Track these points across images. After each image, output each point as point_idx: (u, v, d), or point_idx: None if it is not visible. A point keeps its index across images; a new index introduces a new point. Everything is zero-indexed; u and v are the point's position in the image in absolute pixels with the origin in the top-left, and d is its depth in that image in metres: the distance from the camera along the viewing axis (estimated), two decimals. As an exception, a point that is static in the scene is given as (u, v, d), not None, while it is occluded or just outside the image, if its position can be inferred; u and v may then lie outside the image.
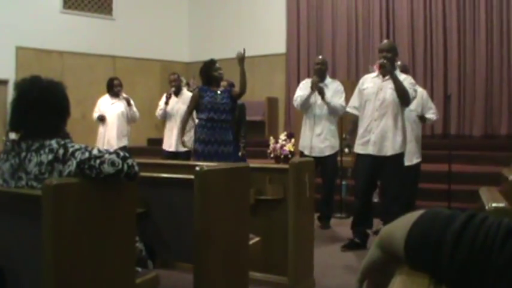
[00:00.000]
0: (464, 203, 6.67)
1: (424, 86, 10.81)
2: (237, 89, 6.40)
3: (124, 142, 8.13)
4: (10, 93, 10.54)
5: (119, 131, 8.14)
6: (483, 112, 10.38)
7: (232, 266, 3.53)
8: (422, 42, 11.11)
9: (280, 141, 9.31)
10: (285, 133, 9.72)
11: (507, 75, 10.29)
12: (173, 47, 14.15)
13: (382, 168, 5.72)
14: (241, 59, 6.12)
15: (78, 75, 11.89)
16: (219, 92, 6.22)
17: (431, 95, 10.79)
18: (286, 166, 4.51)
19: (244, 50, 6.12)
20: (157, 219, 3.56)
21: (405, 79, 5.70)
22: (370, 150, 5.75)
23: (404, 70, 6.22)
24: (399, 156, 5.73)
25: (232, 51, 6.17)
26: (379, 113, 5.73)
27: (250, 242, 3.81)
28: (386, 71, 5.63)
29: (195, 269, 3.25)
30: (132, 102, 8.26)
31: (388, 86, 5.66)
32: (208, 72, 6.30)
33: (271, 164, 7.71)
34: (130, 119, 8.28)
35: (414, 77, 10.94)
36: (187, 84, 11.80)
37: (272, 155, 9.30)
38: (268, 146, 9.47)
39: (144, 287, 2.88)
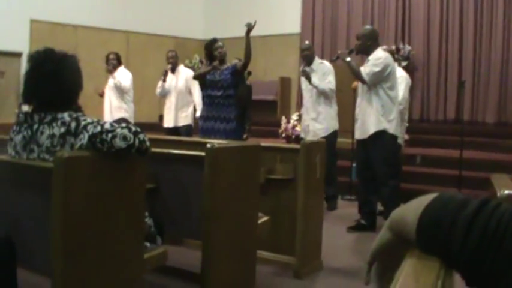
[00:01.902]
0: (475, 189, 6.65)
1: (439, 72, 10.80)
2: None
3: (120, 114, 8.13)
4: (24, 65, 10.56)
5: (112, 104, 8.23)
6: (497, 99, 10.30)
7: (241, 244, 3.54)
8: (438, 27, 11.00)
9: (292, 121, 9.32)
10: (297, 113, 9.72)
11: (523, 63, 10.20)
12: (187, 23, 14.09)
13: (368, 151, 5.86)
14: (249, 30, 6.10)
15: (91, 50, 11.86)
16: (220, 69, 6.23)
17: (445, 81, 10.76)
18: (297, 146, 4.51)
19: (255, 22, 6.10)
20: (166, 196, 3.57)
21: (372, 58, 5.84)
22: (357, 134, 6.03)
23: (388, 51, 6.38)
24: (376, 136, 5.77)
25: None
26: (360, 98, 5.99)
27: (259, 221, 3.82)
28: (341, 60, 5.99)
29: (203, 246, 3.26)
30: (124, 76, 8.24)
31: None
32: (210, 51, 6.33)
33: (282, 144, 7.72)
34: (119, 91, 8.25)
35: (429, 62, 10.93)
36: (201, 62, 11.78)
37: (283, 135, 9.32)
38: (279, 125, 9.48)
39: (152, 262, 2.89)
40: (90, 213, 2.37)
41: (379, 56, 5.84)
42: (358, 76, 5.82)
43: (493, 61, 10.36)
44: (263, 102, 11.76)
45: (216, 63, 6.25)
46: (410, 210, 0.84)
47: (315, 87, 6.86)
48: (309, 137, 6.84)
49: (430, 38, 11.11)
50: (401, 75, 6.59)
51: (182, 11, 13.99)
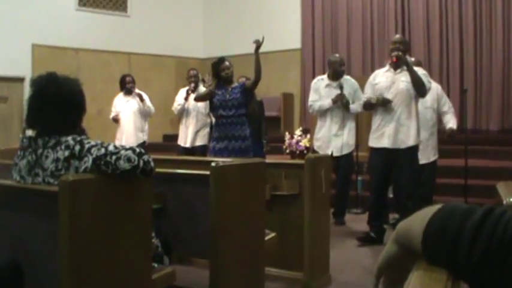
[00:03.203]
0: (481, 198, 6.63)
1: (440, 81, 10.76)
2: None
3: (142, 138, 8.26)
4: (27, 90, 10.61)
5: (136, 128, 8.24)
6: (500, 106, 10.30)
7: (248, 261, 3.53)
8: (438, 36, 11.03)
9: (295, 136, 9.32)
10: (301, 129, 9.73)
11: (524, 69, 10.21)
12: (188, 43, 14.16)
13: (396, 161, 5.72)
14: (258, 46, 6.08)
15: (93, 72, 11.95)
16: (230, 88, 6.20)
17: (448, 90, 10.75)
18: (302, 162, 4.50)
19: (263, 38, 6.08)
20: (173, 215, 3.57)
21: (417, 70, 5.72)
22: (385, 143, 5.76)
23: (418, 65, 6.21)
24: (413, 149, 5.73)
25: (247, 47, 6.12)
26: (392, 105, 5.74)
27: (266, 238, 3.81)
28: (402, 62, 5.65)
29: (211, 265, 3.26)
30: (145, 97, 8.30)
31: (401, 78, 5.69)
32: (217, 71, 6.30)
33: (287, 160, 7.71)
34: (145, 115, 8.36)
35: (430, 71, 10.89)
36: (203, 81, 11.78)
37: (288, 151, 9.31)
38: (283, 141, 9.48)
39: (161, 282, 2.89)
40: (96, 235, 2.37)
41: (425, 72, 5.79)
42: (422, 86, 5.60)
43: (494, 68, 10.37)
44: (266, 119, 11.75)
45: (212, 87, 6.25)
46: (416, 222, 0.84)
47: (354, 112, 6.87)
48: (329, 153, 6.70)
49: (431, 47, 11.14)
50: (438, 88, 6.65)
51: (182, 31, 14.05)
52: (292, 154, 9.20)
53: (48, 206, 2.38)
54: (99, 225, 2.39)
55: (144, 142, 8.12)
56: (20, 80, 11.52)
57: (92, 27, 12.50)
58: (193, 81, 7.92)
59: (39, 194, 2.51)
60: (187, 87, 7.99)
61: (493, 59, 10.39)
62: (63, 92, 2.58)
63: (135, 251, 2.59)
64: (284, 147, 9.43)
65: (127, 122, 8.24)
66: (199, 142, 7.94)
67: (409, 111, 5.70)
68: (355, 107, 6.78)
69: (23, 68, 11.44)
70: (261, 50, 6.13)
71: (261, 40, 6.06)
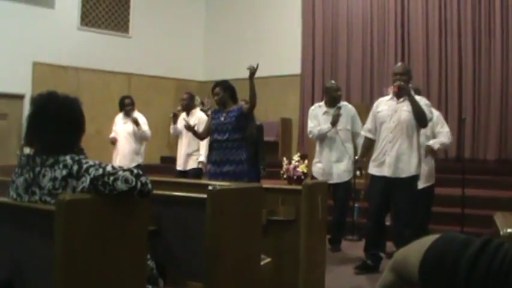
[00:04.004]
0: (478, 227, 6.61)
1: (439, 110, 10.77)
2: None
3: (137, 161, 8.18)
4: (26, 107, 10.62)
5: (131, 150, 8.20)
6: (498, 136, 10.31)
7: (243, 286, 3.51)
8: (437, 65, 11.08)
9: (293, 162, 9.32)
10: (299, 154, 9.74)
11: (522, 100, 10.25)
12: (188, 65, 14.21)
13: (395, 190, 5.70)
14: (252, 73, 6.06)
15: (93, 92, 11.97)
16: (226, 112, 6.19)
17: (446, 118, 10.76)
18: (299, 187, 4.49)
19: (257, 65, 6.06)
20: (168, 238, 3.55)
21: (420, 100, 5.72)
22: (385, 171, 5.74)
23: (416, 93, 6.21)
24: (413, 179, 5.72)
25: (247, 71, 6.11)
26: (393, 134, 5.73)
27: (262, 263, 3.79)
28: (405, 92, 5.64)
29: (205, 288, 3.24)
30: (141, 121, 8.24)
31: (403, 108, 5.69)
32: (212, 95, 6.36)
33: (284, 185, 7.70)
34: (140, 139, 8.32)
35: (429, 100, 10.95)
36: (202, 103, 11.82)
37: (285, 176, 9.31)
38: (281, 166, 9.47)
39: (154, 305, 2.87)
40: (92, 256, 2.36)
41: (427, 102, 5.79)
42: (423, 115, 5.60)
43: (492, 98, 10.41)
44: (264, 143, 11.77)
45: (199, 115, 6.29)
46: (413, 251, 0.84)
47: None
48: (333, 180, 6.75)
49: (430, 76, 11.18)
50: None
51: (183, 53, 14.12)
52: (290, 179, 9.20)
53: (44, 225, 2.38)
54: (95, 245, 2.38)
55: (139, 165, 8.06)
56: (20, 97, 11.53)
57: (93, 47, 12.55)
58: (181, 104, 7.93)
59: (35, 212, 2.50)
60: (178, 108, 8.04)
61: (491, 89, 10.43)
62: (63, 111, 2.59)
63: (130, 272, 2.58)
64: (281, 172, 9.43)
65: (122, 144, 8.23)
66: (191, 165, 7.85)
67: (410, 141, 5.70)
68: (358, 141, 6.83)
69: (23, 85, 11.46)
70: (261, 74, 6.12)
71: (255, 67, 6.03)
